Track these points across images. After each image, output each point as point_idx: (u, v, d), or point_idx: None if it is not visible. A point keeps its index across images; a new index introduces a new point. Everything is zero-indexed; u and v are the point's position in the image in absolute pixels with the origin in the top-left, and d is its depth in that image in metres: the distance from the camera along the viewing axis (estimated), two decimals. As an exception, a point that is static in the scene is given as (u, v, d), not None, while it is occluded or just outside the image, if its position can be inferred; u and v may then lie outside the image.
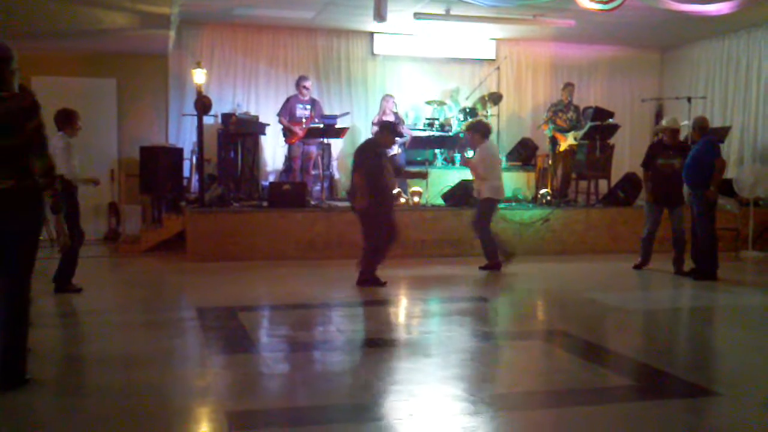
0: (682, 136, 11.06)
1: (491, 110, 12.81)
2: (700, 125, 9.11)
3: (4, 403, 4.21)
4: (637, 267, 9.65)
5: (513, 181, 12.38)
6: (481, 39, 13.73)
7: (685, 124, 10.67)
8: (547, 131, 12.56)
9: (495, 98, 12.74)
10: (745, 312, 7.51)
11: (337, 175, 12.92)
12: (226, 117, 11.71)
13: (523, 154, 13.09)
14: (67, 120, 7.50)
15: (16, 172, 4.35)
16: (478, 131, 9.45)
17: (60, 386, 4.67)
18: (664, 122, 9.81)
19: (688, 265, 9.13)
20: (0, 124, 4.29)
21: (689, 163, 8.97)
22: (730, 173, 12.63)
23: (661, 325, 7.02)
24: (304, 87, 11.66)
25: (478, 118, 11.28)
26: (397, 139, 11.56)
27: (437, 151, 12.74)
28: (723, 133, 12.13)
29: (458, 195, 11.16)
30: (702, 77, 13.94)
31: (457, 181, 11.49)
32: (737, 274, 9.70)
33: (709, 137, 9.12)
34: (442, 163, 12.76)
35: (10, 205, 4.35)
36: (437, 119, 12.73)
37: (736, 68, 13.18)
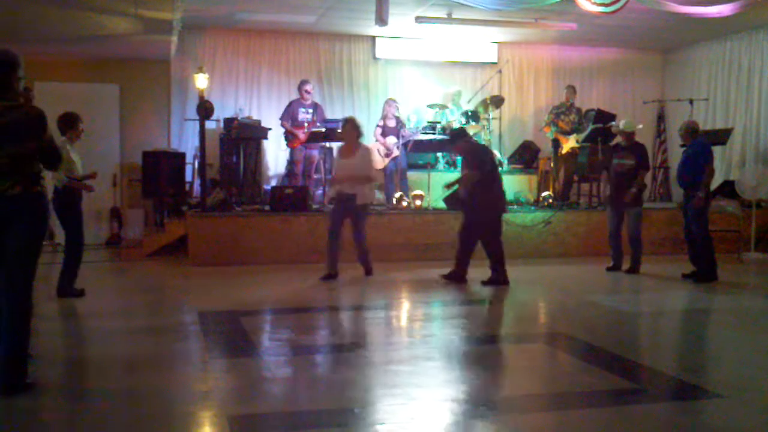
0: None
1: (493, 113, 12.82)
2: (692, 128, 9.13)
3: (6, 408, 4.21)
4: (610, 269, 9.70)
5: (515, 183, 12.39)
6: (482, 42, 13.75)
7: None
8: (549, 134, 12.57)
9: (497, 101, 12.75)
10: (747, 314, 7.50)
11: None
12: (228, 122, 11.75)
13: (525, 156, 13.11)
14: (69, 123, 7.54)
15: (23, 179, 4.41)
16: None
17: (62, 390, 4.68)
18: (621, 124, 9.86)
19: (689, 267, 9.14)
20: (10, 132, 4.33)
21: (682, 164, 9.03)
22: (732, 175, 12.65)
23: (662, 328, 7.01)
24: (306, 91, 11.67)
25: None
26: (396, 141, 11.66)
27: (439, 154, 12.76)
28: (725, 135, 12.13)
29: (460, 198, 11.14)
30: (704, 79, 13.95)
31: (458, 184, 11.47)
32: (739, 276, 9.69)
33: (702, 139, 9.14)
34: (444, 167, 12.77)
35: (17, 211, 4.39)
36: (439, 122, 12.73)
37: (738, 70, 13.19)
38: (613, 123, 12.27)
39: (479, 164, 8.47)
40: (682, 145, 10.99)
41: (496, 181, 8.59)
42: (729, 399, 4.51)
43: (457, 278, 8.59)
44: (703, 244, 8.90)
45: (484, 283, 8.50)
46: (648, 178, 13.79)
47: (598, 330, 6.64)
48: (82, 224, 7.70)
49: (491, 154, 9.10)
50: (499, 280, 8.50)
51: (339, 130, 8.57)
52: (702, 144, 9.01)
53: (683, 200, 9.13)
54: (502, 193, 8.71)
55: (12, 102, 4.45)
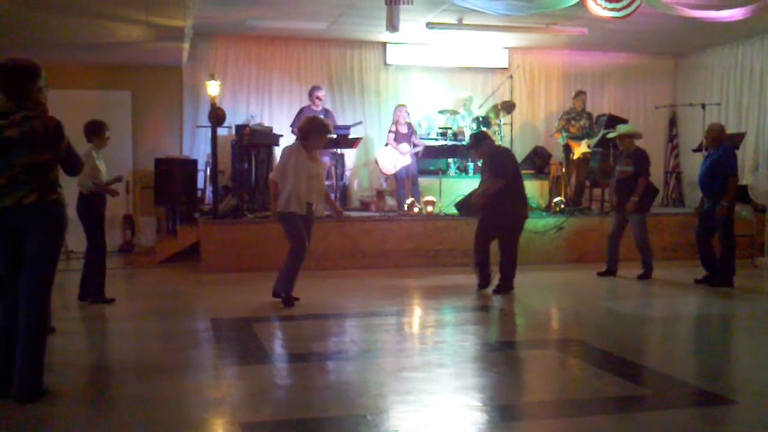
0: (696, 143, 11.04)
1: (504, 119, 12.80)
2: (718, 133, 8.99)
3: (21, 415, 4.23)
4: (602, 274, 9.68)
5: (527, 189, 12.35)
6: (493, 48, 13.74)
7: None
8: (561, 139, 12.55)
9: (508, 107, 12.74)
10: (762, 319, 7.46)
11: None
12: (240, 128, 11.77)
13: (537, 162, 13.08)
14: (95, 131, 7.69)
15: (39, 188, 4.43)
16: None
17: (76, 397, 4.69)
18: (620, 129, 9.86)
19: (701, 272, 9.09)
20: (25, 143, 4.36)
21: (706, 171, 8.90)
22: (745, 180, 12.58)
23: (676, 333, 6.98)
24: (317, 97, 11.68)
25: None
26: (409, 148, 11.67)
27: (450, 160, 12.77)
28: (738, 139, 12.07)
29: (472, 204, 11.14)
30: (716, 84, 13.89)
31: (470, 190, 11.48)
32: (753, 281, 9.64)
33: (728, 146, 9.04)
34: (456, 173, 12.77)
35: (33, 220, 4.41)
36: (450, 128, 12.74)
37: (750, 75, 13.13)
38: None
39: (502, 169, 8.26)
40: (695, 150, 10.96)
41: (519, 184, 8.45)
42: (744, 405, 4.48)
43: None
44: (727, 249, 8.82)
45: (495, 291, 8.40)
46: (660, 183, 13.78)
47: (611, 336, 6.62)
48: (104, 230, 7.82)
49: (514, 157, 8.92)
50: (504, 286, 8.38)
51: (317, 132, 7.50)
52: (728, 151, 8.89)
53: (702, 205, 9.03)
54: (524, 196, 8.61)
55: (29, 112, 4.46)
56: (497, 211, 8.26)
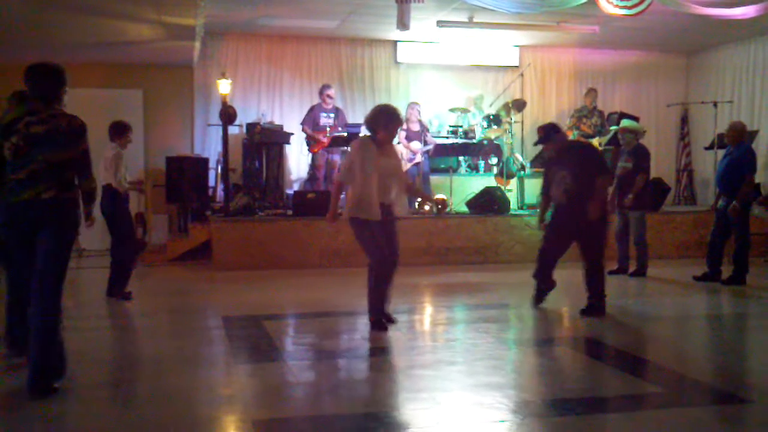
0: (708, 141, 10.95)
1: (515, 117, 12.77)
2: (740, 131, 8.90)
3: (35, 411, 4.26)
4: (613, 272, 9.47)
5: (538, 187, 12.33)
6: (504, 46, 13.71)
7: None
8: (572, 137, 12.50)
9: (519, 105, 12.71)
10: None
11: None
12: (251, 127, 11.80)
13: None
14: (118, 132, 7.85)
15: (57, 184, 4.50)
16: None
17: (87, 394, 4.71)
18: (624, 123, 9.82)
19: (702, 269, 9.04)
20: (50, 139, 4.43)
21: (724, 169, 8.81)
22: (758, 178, 12.51)
23: (690, 332, 6.94)
24: (328, 96, 11.70)
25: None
26: (421, 146, 11.66)
27: (461, 158, 12.75)
28: (750, 137, 11.99)
29: (482, 202, 11.14)
30: (728, 81, 13.81)
31: (481, 188, 11.47)
32: (766, 280, 9.57)
33: (748, 145, 8.96)
34: (466, 170, 12.76)
35: (49, 215, 4.48)
36: (461, 126, 12.72)
37: (763, 72, 13.05)
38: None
39: (600, 166, 7.13)
40: (707, 148, 10.88)
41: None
42: (759, 404, 4.45)
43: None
44: (741, 247, 8.76)
45: (583, 312, 7.17)
46: (672, 181, 13.73)
47: (624, 334, 6.59)
48: (133, 226, 7.99)
49: (598, 151, 7.77)
50: (594, 307, 7.15)
51: (386, 122, 6.29)
52: (748, 149, 8.81)
53: (719, 203, 8.96)
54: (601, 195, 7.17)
55: (55, 110, 4.57)
56: (574, 215, 7.04)
